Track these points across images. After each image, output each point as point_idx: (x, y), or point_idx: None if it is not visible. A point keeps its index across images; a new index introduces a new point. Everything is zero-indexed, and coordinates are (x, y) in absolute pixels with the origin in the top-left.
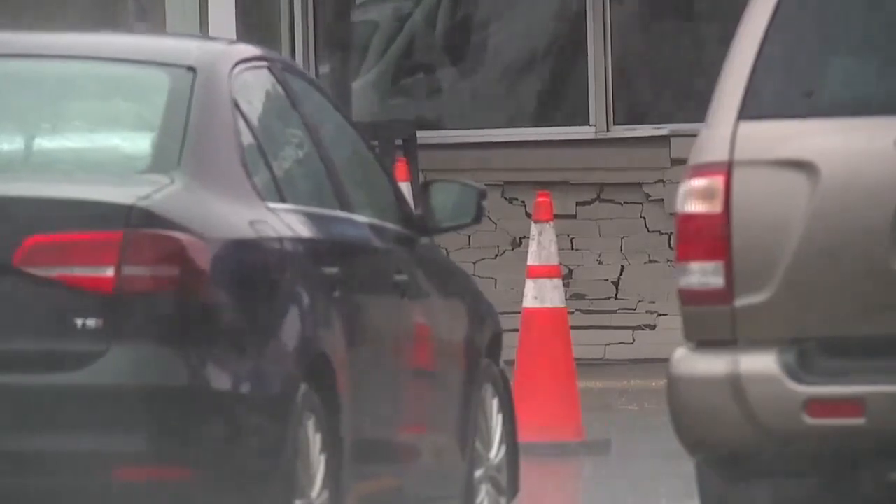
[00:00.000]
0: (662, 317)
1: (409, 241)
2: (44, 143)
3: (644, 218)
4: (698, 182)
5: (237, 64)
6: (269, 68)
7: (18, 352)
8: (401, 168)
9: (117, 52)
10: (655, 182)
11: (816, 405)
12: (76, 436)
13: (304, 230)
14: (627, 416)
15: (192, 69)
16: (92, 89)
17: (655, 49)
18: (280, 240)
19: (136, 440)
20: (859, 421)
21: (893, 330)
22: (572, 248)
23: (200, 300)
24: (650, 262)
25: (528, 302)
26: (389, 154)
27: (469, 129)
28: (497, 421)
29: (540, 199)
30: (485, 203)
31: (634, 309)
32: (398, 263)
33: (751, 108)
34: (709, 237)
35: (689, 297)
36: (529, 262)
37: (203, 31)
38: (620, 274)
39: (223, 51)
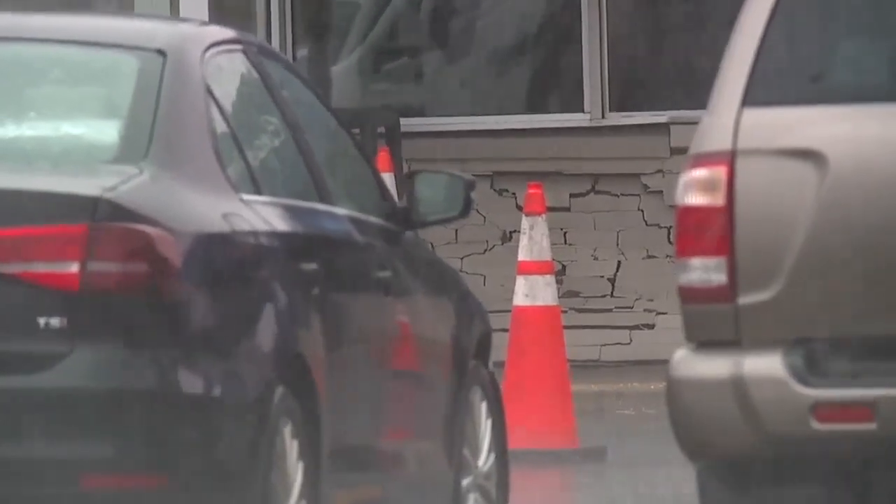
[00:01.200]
0: (661, 316)
1: (393, 235)
2: (4, 131)
3: (642, 211)
4: (699, 173)
5: (209, 47)
6: (244, 52)
7: None
8: (383, 158)
9: (82, 35)
10: (654, 172)
11: (824, 409)
12: (39, 442)
13: (280, 224)
14: (624, 420)
15: (161, 53)
16: (55, 74)
17: (654, 31)
18: (255, 234)
19: (102, 447)
20: (870, 426)
21: None
22: (566, 243)
23: (170, 298)
24: (648, 257)
25: (519, 300)
26: (371, 143)
27: (456, 116)
28: (486, 426)
29: (531, 190)
30: (473, 195)
31: (632, 307)
32: (381, 259)
33: (755, 95)
34: (711, 231)
35: (690, 295)
36: (520, 257)
37: (173, 13)
38: (617, 270)
39: (195, 33)
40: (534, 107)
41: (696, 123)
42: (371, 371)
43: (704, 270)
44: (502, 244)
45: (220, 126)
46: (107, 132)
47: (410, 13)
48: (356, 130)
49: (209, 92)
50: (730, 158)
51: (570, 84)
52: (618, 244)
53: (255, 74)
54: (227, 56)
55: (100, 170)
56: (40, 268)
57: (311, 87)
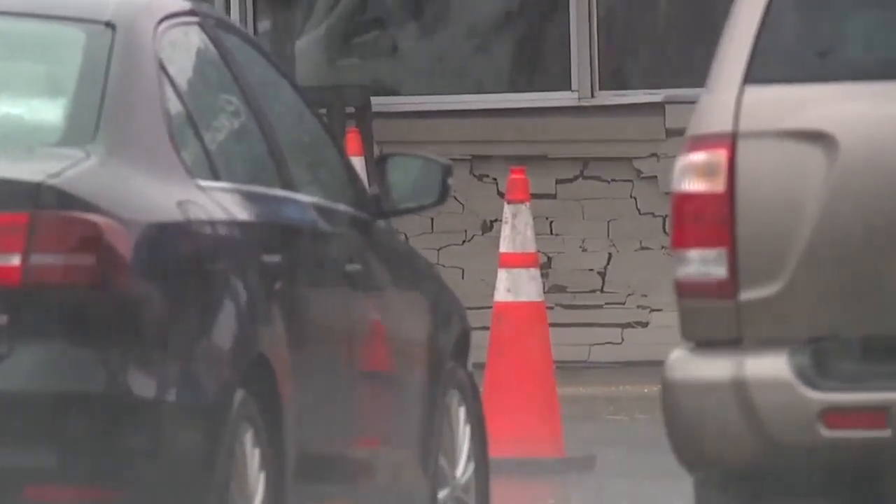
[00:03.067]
0: (656, 313)
1: (363, 224)
2: None
3: (635, 198)
4: (697, 156)
5: (163, 20)
6: (201, 25)
7: None
8: (353, 140)
9: (24, 6)
10: (648, 156)
11: (834, 415)
12: None
13: (240, 212)
14: (615, 427)
15: (110, 25)
16: None
17: (648, 3)
18: (213, 223)
19: (46, 455)
20: (883, 433)
21: None
22: (551, 233)
23: (120, 293)
24: (642, 249)
25: (501, 295)
26: (340, 124)
27: (432, 94)
28: (464, 433)
29: (514, 176)
30: (450, 180)
31: (623, 303)
32: (350, 251)
33: (758, 71)
34: (710, 220)
35: (687, 290)
36: (502, 248)
37: None
38: (607, 263)
39: (147, 4)
40: (517, 85)
41: (693, 103)
42: (340, 373)
43: (703, 263)
44: (482, 234)
45: (175, 106)
46: (51, 112)
47: None
48: (323, 110)
49: (163, 68)
50: (730, 141)
51: (556, 60)
52: (608, 234)
53: (212, 49)
54: (182, 29)
55: (43, 153)
56: None
57: (273, 64)
